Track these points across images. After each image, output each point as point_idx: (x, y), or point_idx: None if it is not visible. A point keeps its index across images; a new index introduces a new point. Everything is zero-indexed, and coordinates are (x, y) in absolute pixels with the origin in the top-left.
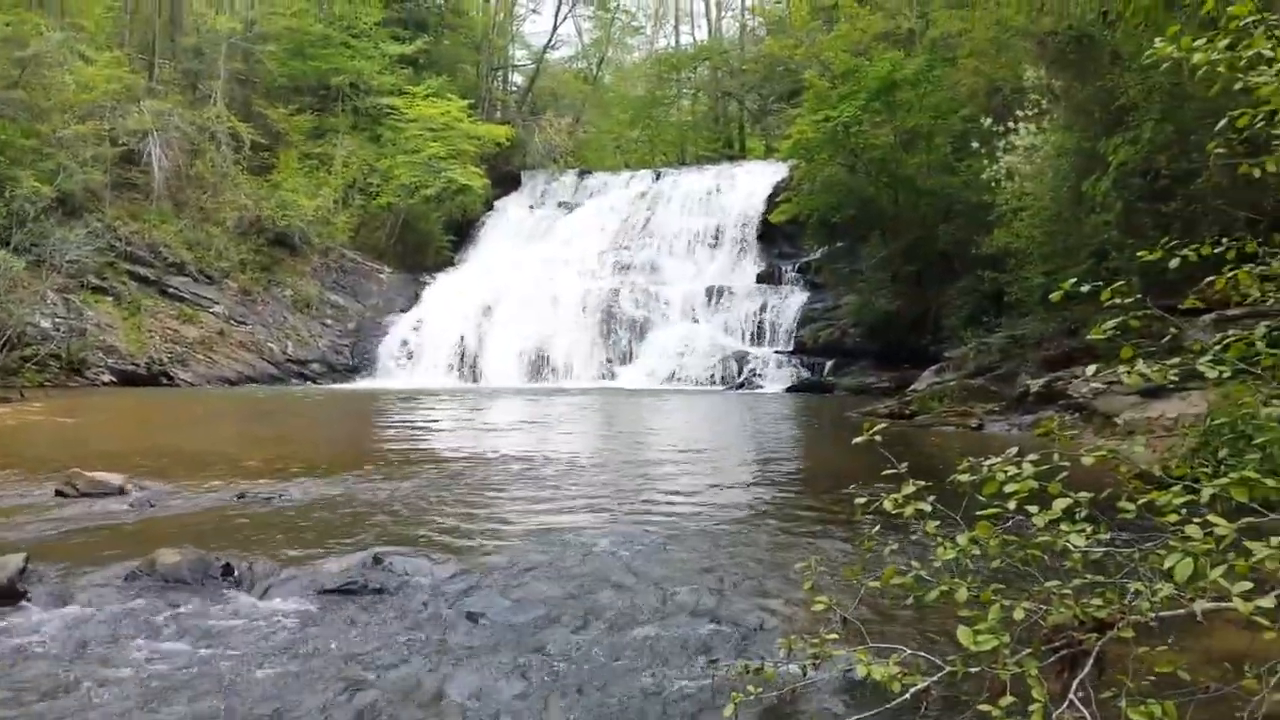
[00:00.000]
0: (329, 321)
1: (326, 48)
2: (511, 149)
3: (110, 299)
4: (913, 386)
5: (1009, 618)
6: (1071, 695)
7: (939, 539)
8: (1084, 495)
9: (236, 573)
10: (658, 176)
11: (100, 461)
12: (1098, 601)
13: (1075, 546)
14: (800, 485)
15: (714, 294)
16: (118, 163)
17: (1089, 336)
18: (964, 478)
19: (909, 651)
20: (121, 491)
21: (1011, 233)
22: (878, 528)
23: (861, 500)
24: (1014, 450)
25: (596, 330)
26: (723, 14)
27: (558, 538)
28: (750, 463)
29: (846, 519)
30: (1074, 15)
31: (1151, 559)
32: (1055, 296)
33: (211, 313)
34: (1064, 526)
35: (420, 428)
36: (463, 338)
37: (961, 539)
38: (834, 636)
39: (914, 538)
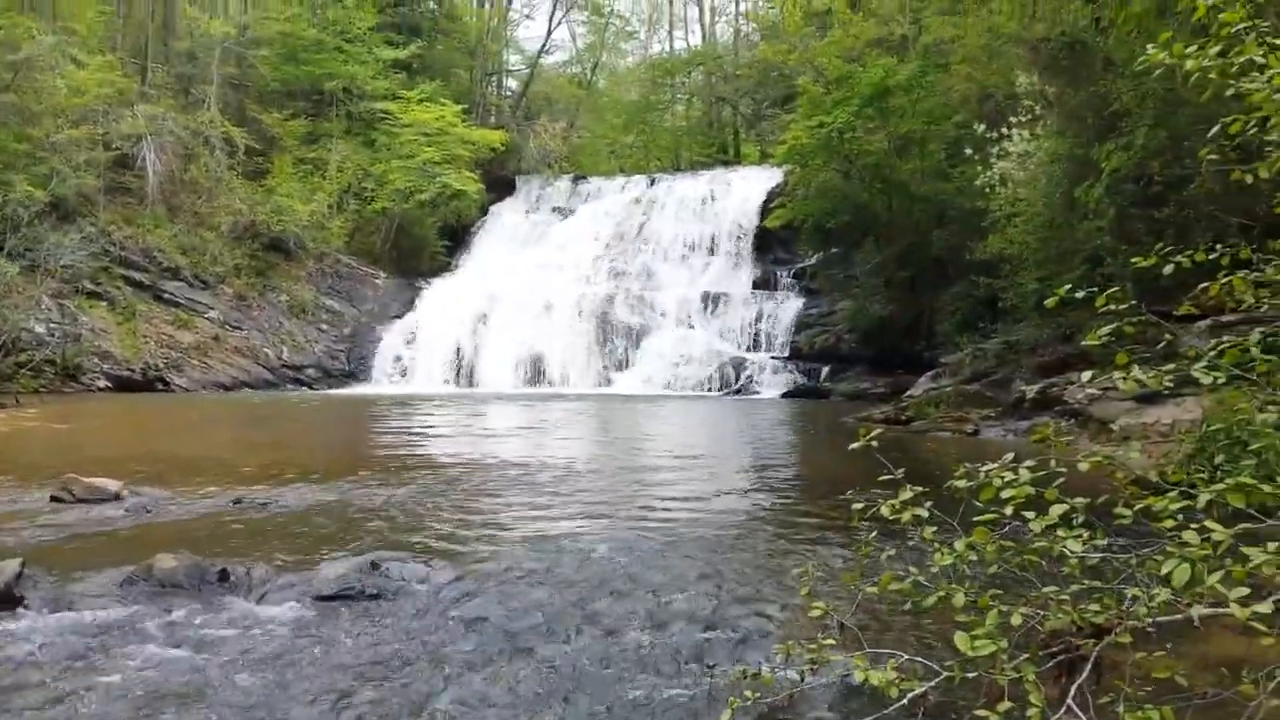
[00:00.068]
0: (324, 327)
1: (320, 52)
2: (506, 154)
3: (105, 304)
4: (909, 392)
5: (1006, 623)
6: (1069, 700)
7: (936, 545)
8: (1081, 501)
9: (233, 578)
10: (652, 182)
11: (96, 467)
12: (1095, 607)
13: (1072, 552)
14: (797, 491)
15: (709, 300)
16: (111, 167)
17: (1084, 342)
18: (961, 483)
19: (906, 657)
20: (118, 497)
21: (1005, 239)
22: (875, 533)
23: (858, 506)
24: (1010, 456)
25: (592, 336)
26: (716, 19)
27: (554, 544)
28: (747, 468)
29: (843, 525)
30: (1066, 22)
31: (1148, 564)
32: (1050, 303)
33: (206, 318)
34: (1061, 532)
35: (416, 433)
36: (458, 343)
37: (959, 544)
38: (831, 642)
39: (911, 543)
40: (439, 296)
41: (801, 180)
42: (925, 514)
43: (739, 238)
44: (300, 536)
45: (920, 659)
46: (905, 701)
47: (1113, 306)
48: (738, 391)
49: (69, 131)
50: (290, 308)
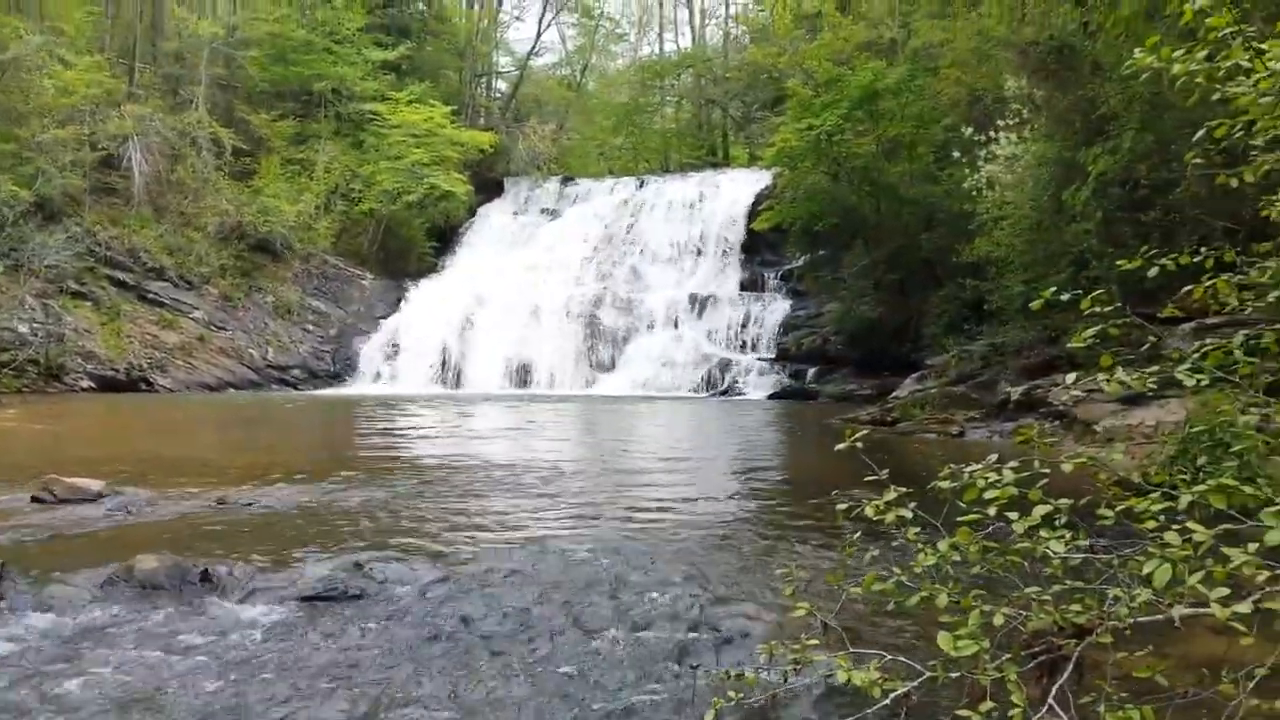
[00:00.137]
0: (310, 327)
1: (309, 53)
2: (495, 155)
3: (89, 304)
4: (894, 394)
5: (989, 623)
6: (1051, 700)
7: (920, 545)
8: (1064, 502)
9: (215, 579)
10: (641, 184)
11: (78, 467)
12: (1077, 607)
13: (1055, 553)
14: (782, 492)
15: (697, 301)
16: (97, 167)
17: (1069, 345)
18: (945, 484)
19: (889, 657)
20: (100, 497)
21: (992, 241)
22: (859, 534)
23: (843, 506)
24: (994, 457)
25: (579, 337)
26: (706, 22)
27: (539, 545)
28: (732, 469)
29: (829, 525)
30: (1055, 26)
31: (1130, 565)
32: (1036, 305)
33: (191, 318)
34: (1044, 533)
35: (402, 434)
36: (445, 345)
37: (942, 545)
38: (815, 642)
39: (895, 544)
40: (426, 298)
41: (790, 183)
42: (909, 515)
43: (727, 240)
44: (284, 537)
45: (903, 659)
46: (888, 701)
47: (1098, 309)
48: (725, 393)
49: (55, 131)
50: (276, 308)
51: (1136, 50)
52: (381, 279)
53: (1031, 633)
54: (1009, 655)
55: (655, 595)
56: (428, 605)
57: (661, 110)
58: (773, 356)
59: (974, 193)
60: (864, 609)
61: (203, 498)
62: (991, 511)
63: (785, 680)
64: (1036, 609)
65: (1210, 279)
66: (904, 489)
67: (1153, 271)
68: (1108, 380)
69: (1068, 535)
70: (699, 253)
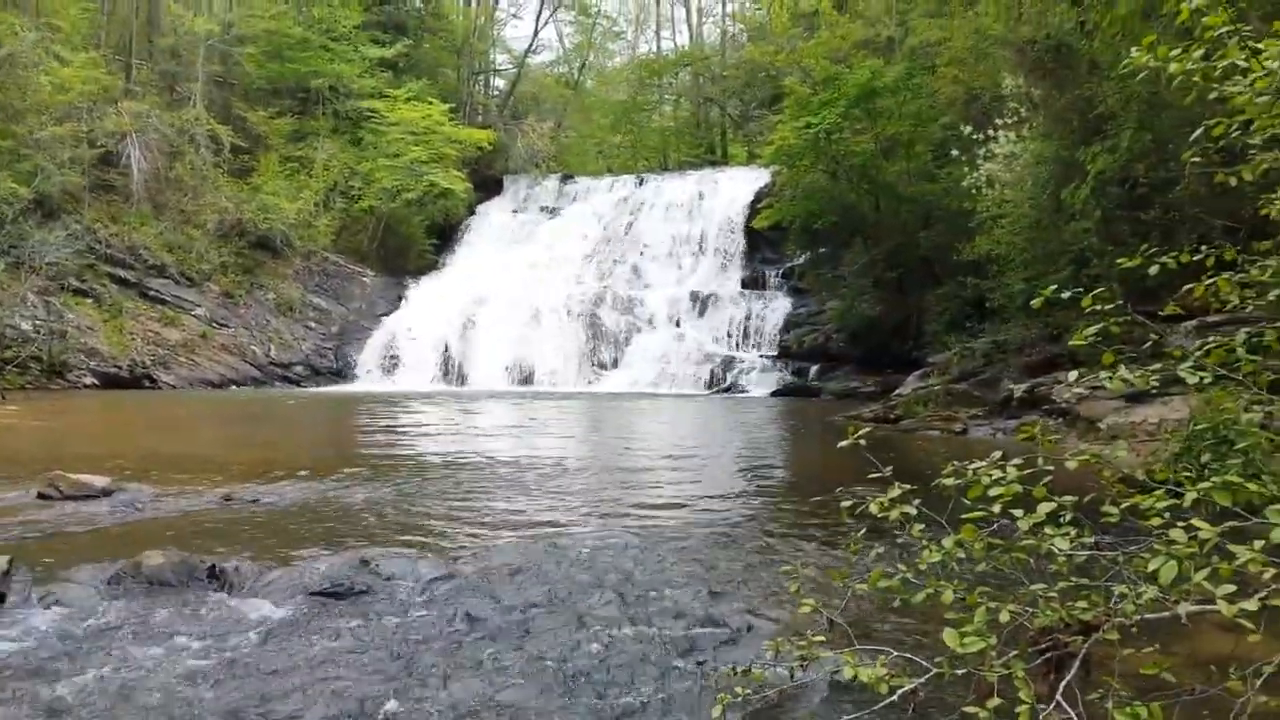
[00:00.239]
0: (312, 324)
1: (306, 50)
2: (493, 153)
3: (91, 301)
4: (897, 391)
5: (995, 620)
6: (1058, 697)
7: (925, 542)
8: (1068, 499)
9: (222, 575)
10: (640, 182)
11: (83, 464)
12: (1083, 604)
13: (1060, 550)
14: (786, 489)
15: (698, 299)
16: (96, 165)
17: (1071, 342)
18: (949, 481)
19: (896, 654)
20: (105, 494)
21: (992, 239)
22: (864, 531)
23: (847, 504)
24: (998, 454)
25: (581, 335)
26: (704, 20)
27: (544, 541)
28: (736, 467)
29: (833, 523)
30: (1052, 24)
31: (1136, 562)
32: (1037, 303)
33: (193, 315)
34: (1048, 530)
35: (405, 431)
36: (446, 342)
37: (947, 542)
38: (821, 639)
39: (900, 541)
40: (426, 295)
41: (789, 181)
42: (914, 512)
43: (727, 238)
44: (289, 533)
45: (910, 656)
46: (895, 698)
47: (1099, 307)
48: (726, 390)
49: (53, 129)
50: (277, 305)
51: (1133, 49)
52: (382, 276)
53: (1038, 630)
54: (1016, 652)
55: (660, 592)
56: (433, 602)
57: (660, 108)
58: (774, 354)
59: (973, 191)
60: (869, 606)
61: (208, 494)
62: (996, 509)
63: (792, 677)
64: (1043, 606)
65: (1211, 277)
66: (908, 486)
67: (1153, 270)
68: (1110, 378)
69: (1073, 532)
70: (699, 251)
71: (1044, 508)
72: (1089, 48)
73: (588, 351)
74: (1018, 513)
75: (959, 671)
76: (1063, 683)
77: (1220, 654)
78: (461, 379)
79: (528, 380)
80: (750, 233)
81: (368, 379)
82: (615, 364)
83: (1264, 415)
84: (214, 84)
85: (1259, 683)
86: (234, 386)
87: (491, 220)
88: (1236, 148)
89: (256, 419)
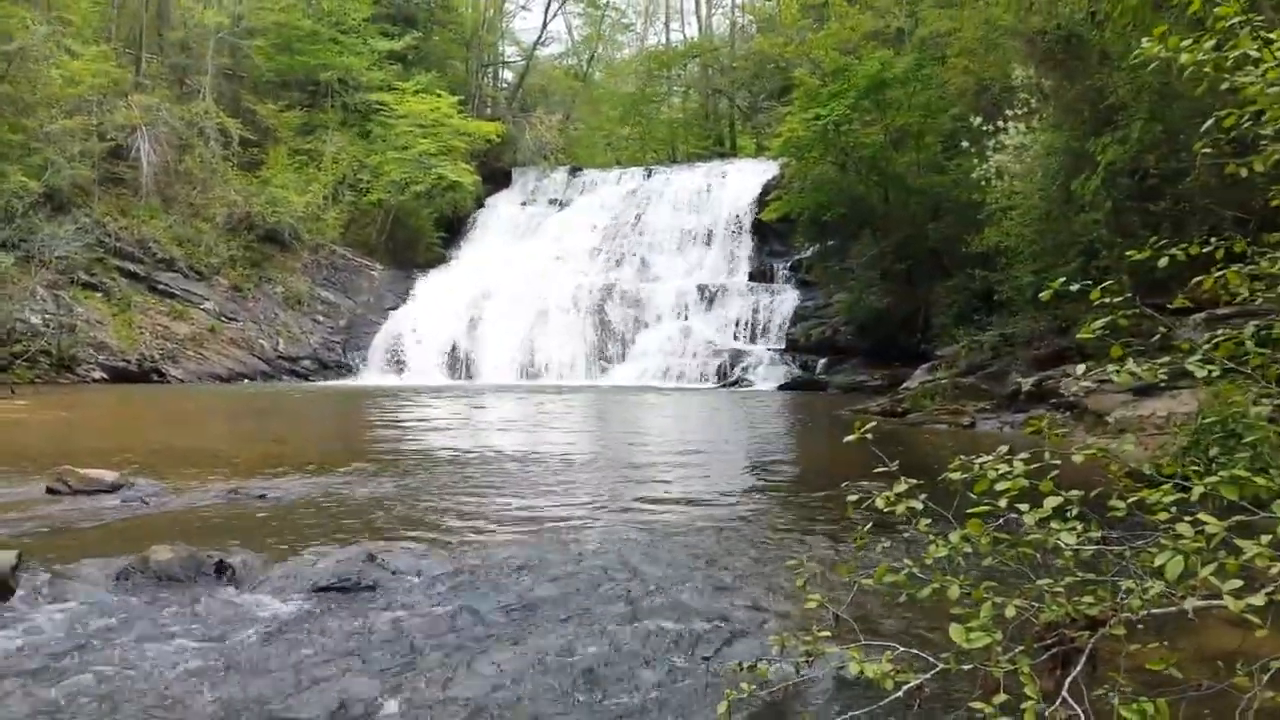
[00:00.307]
0: (320, 318)
1: (315, 43)
2: (502, 146)
3: (100, 295)
4: (905, 384)
5: (1001, 615)
6: (1064, 693)
7: (931, 537)
8: (1075, 493)
9: (230, 570)
10: (649, 174)
11: (92, 458)
12: (1089, 599)
13: (1066, 544)
14: (792, 483)
15: (706, 292)
16: (106, 158)
17: (1079, 335)
18: (955, 476)
19: (902, 649)
20: (114, 488)
21: (1001, 231)
22: (870, 526)
23: (853, 498)
24: (1005, 448)
25: (589, 328)
26: (713, 11)
27: (550, 536)
28: (742, 461)
29: (839, 517)
30: (1063, 15)
31: (1143, 557)
32: (1045, 295)
33: (202, 309)
34: (1055, 524)
35: (412, 425)
36: (454, 335)
37: (953, 537)
38: (827, 634)
39: (906, 536)
40: (435, 288)
41: (798, 173)
42: (920, 506)
43: (735, 230)
44: (297, 528)
45: (915, 651)
46: (901, 694)
47: (1108, 299)
48: (734, 384)
49: (63, 122)
50: (286, 299)
51: (1144, 39)
52: (390, 269)
53: (1044, 625)
54: (1022, 647)
55: (665, 587)
56: (439, 597)
57: (668, 100)
58: (782, 347)
59: (982, 182)
60: (876, 601)
61: (215, 489)
62: (1003, 503)
63: (798, 672)
64: (1049, 601)
65: (1221, 269)
66: (914, 480)
67: (1163, 262)
68: (1118, 371)
69: (1079, 527)
70: (707, 243)
71: (1050, 502)
72: (1100, 38)
73: (595, 345)
74: (1024, 507)
75: (965, 667)
76: (1068, 678)
77: (1227, 649)
78: (469, 373)
79: (535, 374)
80: (758, 225)
81: (375, 373)
82: (623, 357)
83: (1272, 409)
84: (223, 77)
85: (1265, 678)
86: (242, 380)
87: (500, 213)
88: (1248, 139)
89: (264, 413)
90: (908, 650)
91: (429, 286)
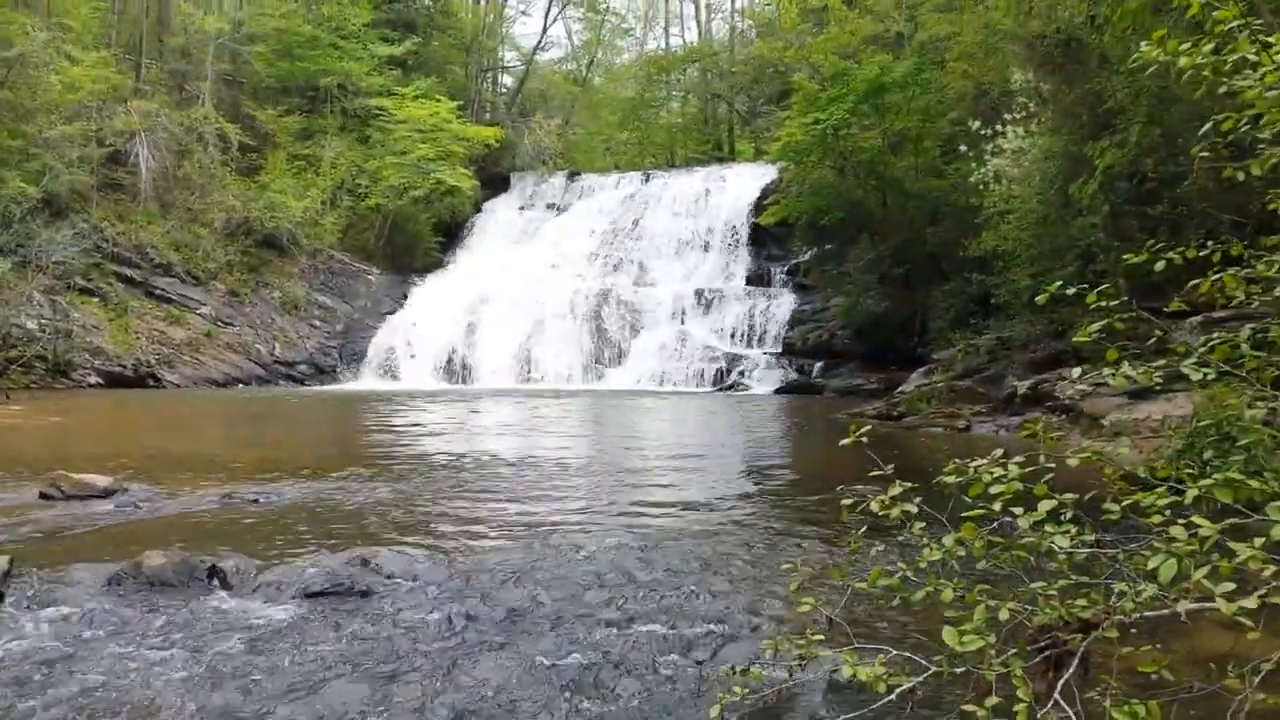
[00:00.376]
0: (317, 323)
1: (315, 49)
2: (500, 150)
3: (97, 300)
4: (901, 388)
5: (994, 618)
6: (1056, 695)
7: (925, 540)
8: (1069, 497)
9: (223, 575)
10: (647, 178)
11: (86, 463)
12: (1082, 602)
13: (1060, 548)
14: (788, 487)
15: (703, 296)
16: (104, 163)
17: (1075, 339)
18: (950, 479)
19: (895, 652)
20: (107, 493)
21: (999, 235)
22: (864, 529)
23: (848, 502)
24: (1000, 452)
25: (586, 332)
26: (712, 16)
27: (545, 540)
28: (738, 465)
29: (833, 521)
30: (1062, 19)
31: (1136, 560)
32: (1042, 299)
33: (198, 314)
34: (1049, 528)
35: (408, 430)
36: (451, 340)
37: (947, 540)
38: (820, 638)
39: (900, 539)
40: (432, 293)
41: (796, 177)
42: (914, 510)
43: (733, 234)
44: (291, 532)
45: (909, 654)
46: (893, 697)
47: (1104, 303)
48: (731, 388)
49: (62, 128)
50: (283, 304)
51: (1143, 43)
52: (388, 274)
53: (1037, 628)
54: (1015, 650)
55: (660, 591)
56: (433, 601)
57: (667, 105)
58: (779, 351)
59: (980, 186)
60: (869, 604)
61: (210, 494)
62: (997, 506)
63: (790, 676)
64: (1042, 604)
65: (1217, 273)
66: (909, 484)
67: (1159, 265)
68: (1114, 374)
69: (1073, 530)
70: (705, 247)
71: (1045, 505)
72: (1099, 42)
73: (592, 349)
74: (1018, 510)
75: (958, 670)
76: (1061, 681)
77: (1219, 652)
78: (466, 377)
79: (532, 378)
80: (756, 229)
81: (372, 377)
82: (620, 361)
83: (1267, 412)
84: (223, 82)
85: (1257, 680)
86: (238, 385)
87: (498, 217)
88: (1245, 143)
89: (260, 418)
90: (901, 653)
91: (426, 291)
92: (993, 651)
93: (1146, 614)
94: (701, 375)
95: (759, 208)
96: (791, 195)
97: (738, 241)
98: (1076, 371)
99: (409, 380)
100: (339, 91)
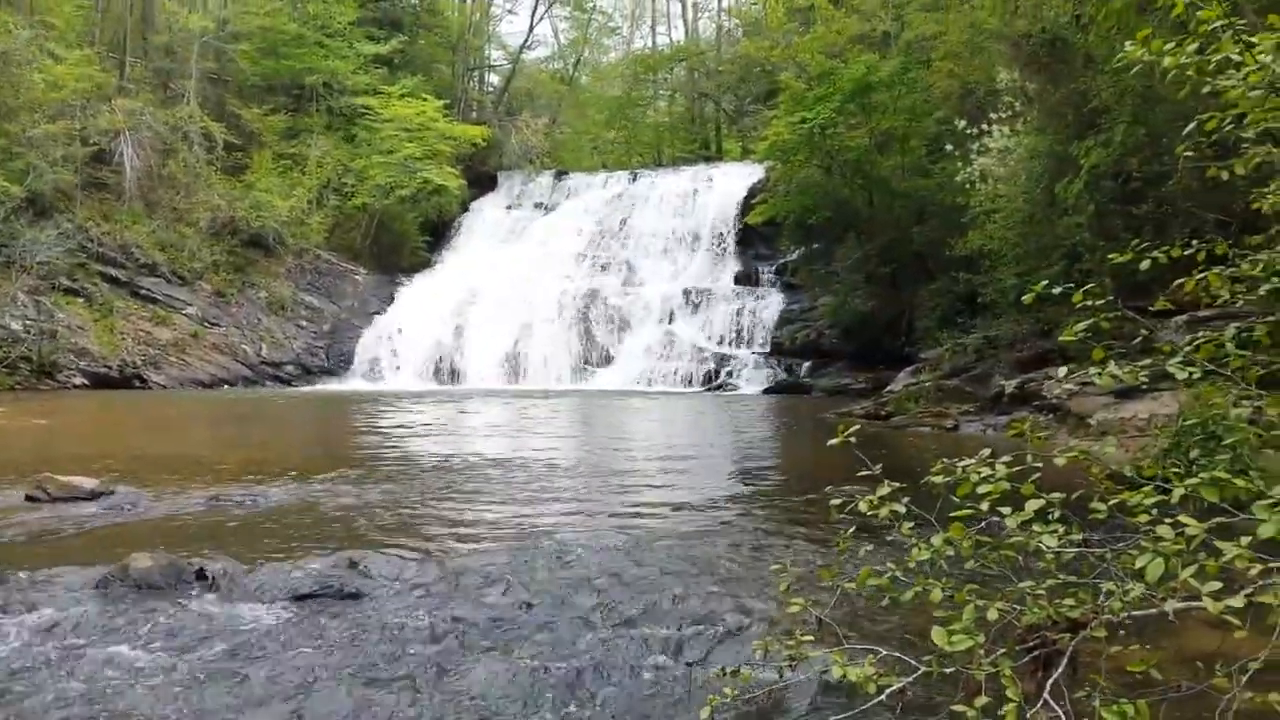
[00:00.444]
0: (304, 323)
1: (300, 47)
2: (488, 149)
3: (81, 300)
4: (889, 387)
5: (983, 618)
6: (1046, 695)
7: (914, 540)
8: (1056, 496)
9: (210, 577)
10: (634, 178)
11: (72, 465)
12: (1071, 601)
13: (1048, 547)
14: (776, 487)
15: (691, 296)
16: (89, 163)
17: (1061, 338)
18: (938, 479)
19: (884, 652)
20: (94, 495)
21: (985, 234)
22: (853, 529)
23: (836, 502)
24: (987, 451)
25: (574, 332)
26: (699, 15)
27: (534, 541)
28: (726, 465)
29: (822, 521)
30: (1047, 18)
31: (1123, 559)
32: (1028, 298)
33: (184, 314)
34: (1037, 527)
35: (395, 431)
36: (439, 340)
37: (936, 540)
38: (810, 638)
39: (889, 539)
40: (420, 293)
41: (783, 176)
42: (903, 510)
43: (721, 234)
44: (278, 534)
45: (898, 654)
46: (884, 697)
47: (1090, 302)
48: (719, 387)
49: (46, 126)
50: (269, 304)
51: (1128, 43)
52: (375, 274)
53: (1026, 627)
54: (1004, 650)
55: (649, 593)
56: (422, 603)
57: (654, 104)
58: (767, 351)
59: (966, 186)
60: (858, 604)
61: (197, 495)
62: (985, 506)
63: (781, 677)
64: (1030, 603)
65: (1202, 272)
66: (898, 484)
67: (1145, 264)
68: (1100, 374)
69: (1061, 529)
70: (693, 247)
71: (1032, 505)
72: (1084, 42)
73: (580, 349)
74: (1006, 510)
75: (947, 670)
76: (1050, 680)
77: (1207, 651)
78: (454, 377)
79: (520, 378)
80: (744, 228)
81: (359, 378)
82: (608, 361)
83: (1252, 410)
84: (208, 81)
85: (1244, 679)
86: (225, 386)
87: (485, 217)
88: (1229, 142)
89: (246, 419)
90: (891, 653)
91: (414, 291)
92: (982, 651)
93: (1134, 613)
94: (690, 375)
95: (746, 207)
96: (779, 194)
97: (725, 241)
98: (1063, 371)
99: (396, 381)
100: (324, 90)
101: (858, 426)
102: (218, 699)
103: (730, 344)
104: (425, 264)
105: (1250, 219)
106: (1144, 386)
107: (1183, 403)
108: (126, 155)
